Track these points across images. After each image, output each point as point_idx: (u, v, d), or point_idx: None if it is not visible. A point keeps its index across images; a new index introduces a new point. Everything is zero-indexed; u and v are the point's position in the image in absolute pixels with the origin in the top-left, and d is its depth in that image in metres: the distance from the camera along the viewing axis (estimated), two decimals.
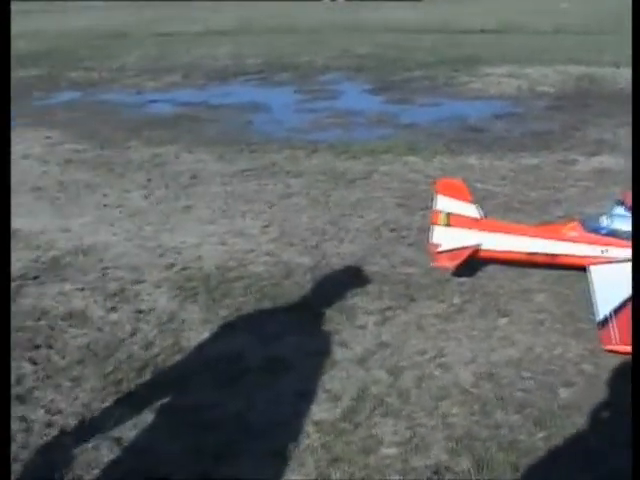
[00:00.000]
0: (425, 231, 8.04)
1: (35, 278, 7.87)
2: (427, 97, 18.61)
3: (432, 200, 7.74)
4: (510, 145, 13.12)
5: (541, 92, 18.82)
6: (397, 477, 4.71)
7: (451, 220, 7.45)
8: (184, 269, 7.96)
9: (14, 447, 5.06)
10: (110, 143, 14.18)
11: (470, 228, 7.39)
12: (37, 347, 6.41)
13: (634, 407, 3.61)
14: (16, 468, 4.86)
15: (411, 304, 7.00)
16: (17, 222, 9.53)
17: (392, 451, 4.96)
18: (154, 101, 19.27)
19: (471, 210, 7.46)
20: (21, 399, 5.62)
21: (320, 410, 5.38)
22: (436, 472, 4.74)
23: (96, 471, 4.81)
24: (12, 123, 16.31)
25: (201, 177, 11.60)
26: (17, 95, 19.91)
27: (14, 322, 6.83)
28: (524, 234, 7.37)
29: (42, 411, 5.48)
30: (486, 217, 7.59)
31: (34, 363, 6.14)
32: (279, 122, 15.96)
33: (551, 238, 7.26)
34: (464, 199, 7.51)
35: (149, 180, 11.50)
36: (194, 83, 22.12)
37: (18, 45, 31.44)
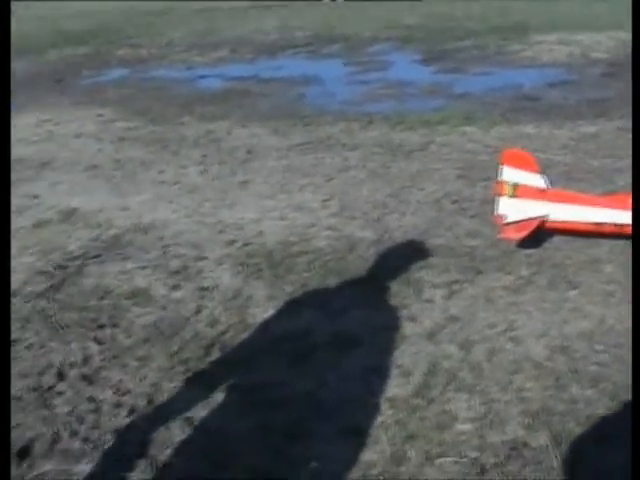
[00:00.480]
0: (488, 202, 7.93)
1: (95, 257, 7.84)
2: (479, 66, 18.40)
3: (495, 171, 7.62)
4: (567, 113, 12.92)
5: (594, 59, 18.53)
6: (474, 454, 4.61)
7: (517, 191, 7.31)
8: (246, 245, 7.90)
9: (84, 427, 5.04)
10: (163, 120, 14.19)
11: (537, 199, 7.25)
12: (102, 327, 6.37)
13: (634, 407, 3.55)
14: (87, 449, 4.84)
15: (478, 277, 6.89)
16: (74, 201, 9.58)
17: (467, 427, 4.87)
18: (204, 76, 19.27)
19: (538, 181, 7.32)
20: (89, 379, 5.60)
21: (392, 386, 5.29)
22: (514, 448, 4.64)
23: (169, 451, 4.76)
24: (63, 101, 16.41)
25: (257, 152, 11.54)
26: (65, 74, 20.08)
27: (77, 301, 6.83)
28: (592, 204, 7.22)
29: (111, 391, 5.44)
30: (552, 187, 7.45)
31: (100, 343, 6.11)
32: (331, 95, 15.87)
33: (619, 208, 7.09)
34: (530, 170, 7.37)
35: (204, 156, 11.48)
36: (243, 57, 22.08)
37: (63, 25, 31.63)
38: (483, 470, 4.47)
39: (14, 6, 17.75)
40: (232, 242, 8.00)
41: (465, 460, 4.56)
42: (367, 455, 4.63)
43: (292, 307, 6.51)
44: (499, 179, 7.47)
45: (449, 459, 4.58)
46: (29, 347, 6.09)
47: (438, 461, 4.57)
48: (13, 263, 7.71)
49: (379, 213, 8.58)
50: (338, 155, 11.09)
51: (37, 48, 25.74)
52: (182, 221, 8.71)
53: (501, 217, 7.37)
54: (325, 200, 9.12)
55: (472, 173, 9.76)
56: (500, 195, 7.41)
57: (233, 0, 44.41)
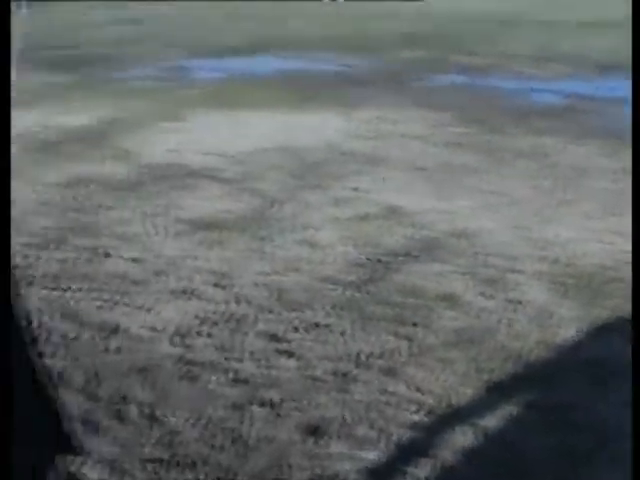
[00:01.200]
0: None
1: (411, 256, 7.97)
2: None
3: None
4: None
5: None
6: None
7: None
8: (563, 264, 7.78)
9: (377, 418, 5.15)
10: (493, 129, 14.16)
11: None
12: (408, 324, 6.50)
13: (634, 406, 3.48)
14: (376, 438, 4.94)
15: None
16: (397, 199, 9.76)
17: None
18: (538, 90, 19.08)
19: None
20: (389, 372, 5.74)
21: None
22: None
23: (459, 456, 4.79)
24: (399, 101, 16.75)
25: (586, 171, 11.32)
26: (399, 77, 20.44)
27: (388, 296, 7.00)
28: None
29: (408, 387, 5.54)
30: None
31: (404, 339, 6.24)
32: None
33: None
34: None
35: (532, 169, 11.37)
36: (578, 74, 21.66)
37: (404, 27, 32.18)
38: None
39: None
40: (550, 259, 7.90)
41: None
42: None
43: (602, 332, 6.39)
44: None
45: None
46: (335, 332, 6.32)
47: None
48: (332, 252, 8.00)
49: None
50: None
51: (377, 48, 26.42)
52: (501, 232, 8.69)
53: None
54: None
55: None
56: None
57: None
